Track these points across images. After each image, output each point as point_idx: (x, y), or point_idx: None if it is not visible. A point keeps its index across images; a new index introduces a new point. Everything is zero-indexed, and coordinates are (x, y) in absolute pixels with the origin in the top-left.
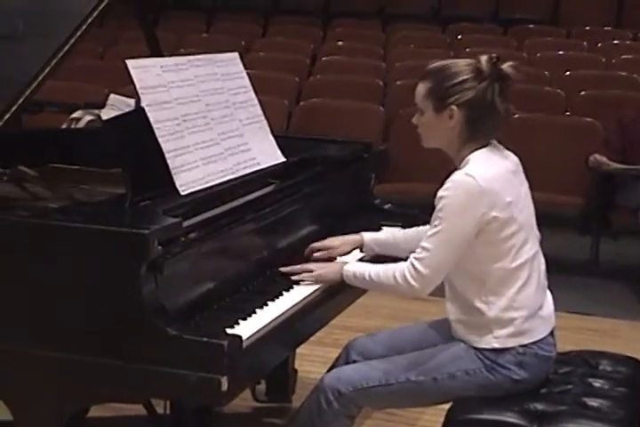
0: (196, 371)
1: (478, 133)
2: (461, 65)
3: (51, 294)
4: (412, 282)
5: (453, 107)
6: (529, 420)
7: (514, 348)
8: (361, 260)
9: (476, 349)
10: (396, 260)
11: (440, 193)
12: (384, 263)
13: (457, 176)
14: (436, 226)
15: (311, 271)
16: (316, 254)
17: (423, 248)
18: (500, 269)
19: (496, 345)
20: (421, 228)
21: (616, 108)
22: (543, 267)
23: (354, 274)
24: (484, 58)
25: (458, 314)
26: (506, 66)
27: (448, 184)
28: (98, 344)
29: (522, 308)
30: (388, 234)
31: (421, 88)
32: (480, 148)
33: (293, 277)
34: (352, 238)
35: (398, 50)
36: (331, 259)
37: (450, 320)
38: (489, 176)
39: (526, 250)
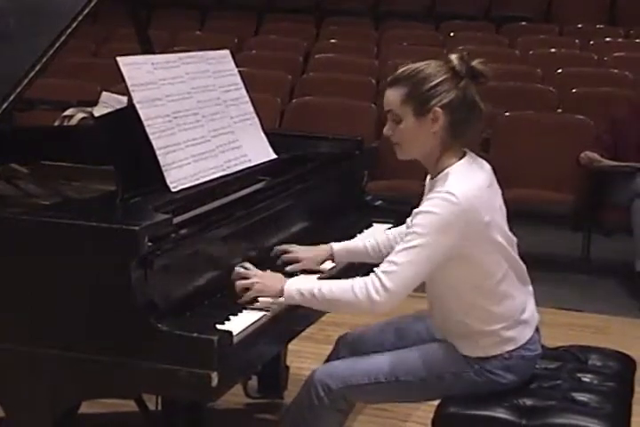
0: (187, 366)
1: (460, 138)
2: (434, 66)
3: (40, 290)
4: (375, 296)
5: (437, 108)
6: (518, 415)
7: (500, 354)
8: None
9: (462, 354)
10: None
11: (419, 208)
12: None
13: (439, 194)
14: (409, 241)
15: (246, 283)
16: (288, 268)
17: (392, 262)
18: (479, 286)
19: (481, 354)
20: (391, 231)
21: (608, 105)
22: (522, 267)
23: (298, 291)
24: (454, 56)
25: (441, 324)
26: (476, 63)
27: (428, 201)
28: (88, 340)
29: (504, 319)
30: (359, 242)
31: (395, 95)
32: (456, 159)
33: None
34: (322, 250)
35: (391, 48)
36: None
37: (433, 322)
38: (470, 194)
39: (502, 264)
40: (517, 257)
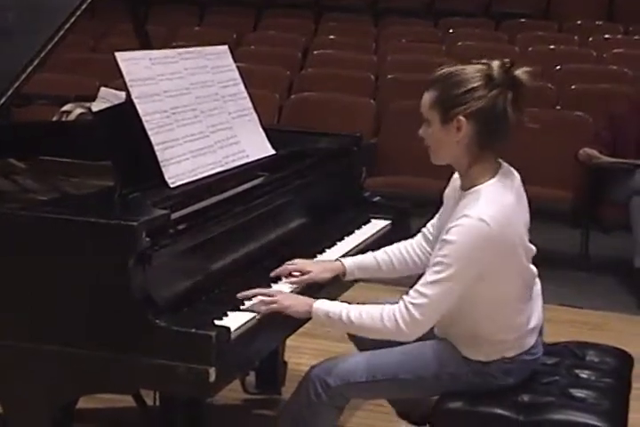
0: (185, 362)
1: (488, 149)
2: (471, 71)
3: (38, 286)
4: (403, 327)
5: (461, 117)
6: (515, 411)
7: (501, 359)
8: None
9: (462, 355)
10: None
11: (448, 237)
12: None
13: (469, 221)
14: (438, 272)
15: (273, 299)
16: (292, 280)
17: (421, 294)
18: (495, 302)
19: (482, 358)
20: (402, 245)
21: (607, 102)
22: (534, 274)
23: (326, 314)
24: (495, 63)
25: (446, 327)
26: (520, 72)
27: (458, 228)
28: (86, 336)
29: (513, 330)
30: (370, 258)
31: (427, 97)
32: (490, 175)
33: (249, 304)
34: (332, 265)
35: (390, 44)
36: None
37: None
38: (502, 220)
39: (520, 283)
40: (531, 265)
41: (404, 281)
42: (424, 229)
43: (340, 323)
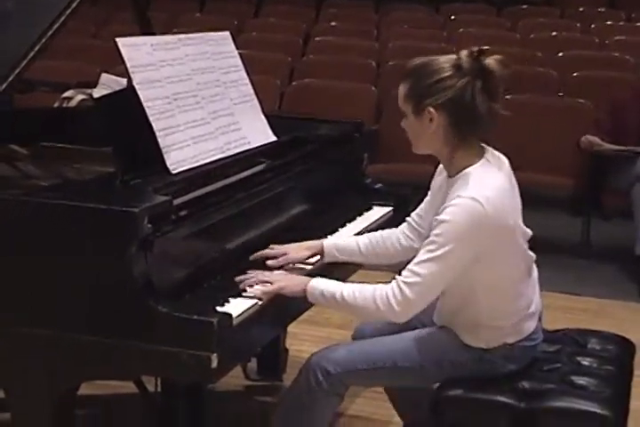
0: (186, 348)
1: (466, 137)
2: (441, 62)
3: (40, 272)
4: (395, 306)
5: (431, 109)
6: (517, 398)
7: (502, 345)
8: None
9: (463, 342)
10: None
11: (442, 216)
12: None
13: (463, 200)
14: (431, 251)
15: (269, 282)
16: (269, 262)
17: (414, 273)
18: (494, 287)
19: (483, 345)
20: (386, 232)
21: (609, 89)
22: (532, 259)
23: (321, 292)
24: (464, 52)
25: (446, 314)
26: (490, 60)
27: (452, 208)
28: (88, 322)
29: (513, 315)
30: (351, 240)
31: (401, 89)
32: (476, 159)
33: (248, 290)
34: (310, 244)
35: (391, 30)
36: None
37: (437, 311)
38: (495, 199)
39: (520, 266)
40: (528, 250)
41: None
42: (409, 219)
43: (333, 302)
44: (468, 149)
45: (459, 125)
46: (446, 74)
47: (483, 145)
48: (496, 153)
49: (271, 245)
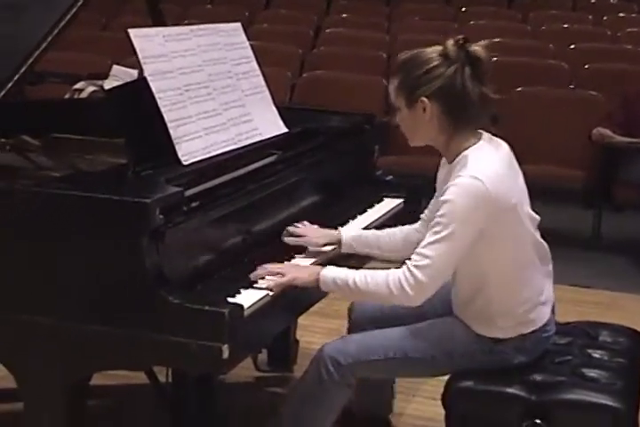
0: (198, 339)
1: (461, 125)
2: (428, 52)
3: (53, 262)
4: (409, 290)
5: (423, 98)
6: (528, 391)
7: (516, 336)
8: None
9: (476, 333)
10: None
11: (444, 197)
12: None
13: (463, 179)
14: (437, 232)
15: (281, 274)
16: (287, 239)
17: (423, 255)
18: (505, 271)
19: (498, 335)
20: (406, 227)
21: (621, 81)
22: (545, 247)
23: (333, 280)
24: (449, 42)
25: (460, 303)
26: (475, 46)
27: (453, 188)
28: (100, 313)
29: (525, 302)
30: (369, 233)
31: (391, 86)
32: (472, 142)
33: (260, 282)
34: (330, 233)
35: (402, 22)
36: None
37: (452, 302)
38: (495, 177)
39: (529, 249)
40: (539, 236)
41: None
42: (422, 215)
43: (347, 289)
44: (464, 134)
45: (452, 113)
46: (435, 63)
47: (479, 131)
48: (494, 138)
49: (295, 224)
